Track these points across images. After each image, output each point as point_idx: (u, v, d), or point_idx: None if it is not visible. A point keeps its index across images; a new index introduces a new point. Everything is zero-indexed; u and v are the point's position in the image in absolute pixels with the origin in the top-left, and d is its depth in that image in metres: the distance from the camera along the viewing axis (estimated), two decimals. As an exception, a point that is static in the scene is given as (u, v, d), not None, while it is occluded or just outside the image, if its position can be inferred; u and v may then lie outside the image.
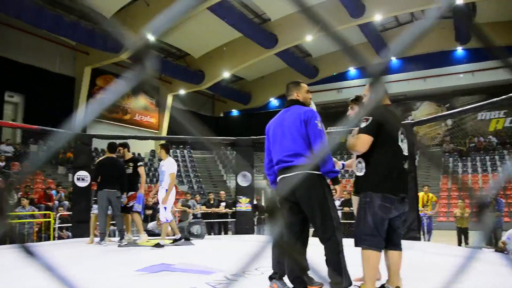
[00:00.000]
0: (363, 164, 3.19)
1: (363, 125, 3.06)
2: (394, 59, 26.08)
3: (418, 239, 7.54)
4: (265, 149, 3.54)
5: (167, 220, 7.28)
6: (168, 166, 7.32)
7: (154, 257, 5.64)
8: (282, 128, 3.34)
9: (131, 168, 7.67)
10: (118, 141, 7.94)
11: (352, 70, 28.48)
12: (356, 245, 3.10)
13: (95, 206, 7.56)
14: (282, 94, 29.35)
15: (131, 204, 7.55)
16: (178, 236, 7.44)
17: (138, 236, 7.82)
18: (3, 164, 14.27)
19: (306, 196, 3.16)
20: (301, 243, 3.32)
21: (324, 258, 3.17)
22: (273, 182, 3.53)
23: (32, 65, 19.91)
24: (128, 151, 7.95)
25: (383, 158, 3.11)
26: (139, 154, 22.16)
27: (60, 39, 20.18)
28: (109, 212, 7.40)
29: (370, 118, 3.00)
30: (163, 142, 8.85)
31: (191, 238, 8.23)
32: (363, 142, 3.05)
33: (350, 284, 3.17)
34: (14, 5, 15.43)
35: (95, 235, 7.70)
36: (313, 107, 3.56)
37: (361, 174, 3.21)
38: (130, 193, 7.56)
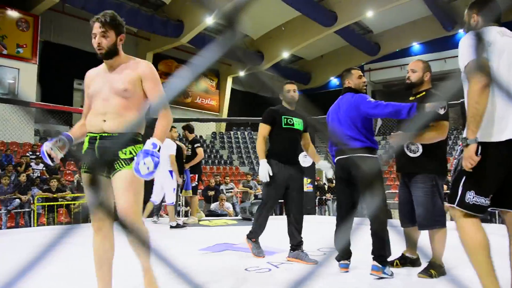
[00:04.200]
0: (418, 146, 3.28)
1: (442, 111, 3.21)
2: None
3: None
4: (329, 131, 3.90)
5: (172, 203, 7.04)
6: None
7: (217, 237, 5.72)
8: (338, 115, 3.62)
9: (189, 150, 7.68)
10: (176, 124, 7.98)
11: (416, 46, 27.19)
12: (431, 227, 3.27)
13: None
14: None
15: (193, 184, 7.60)
16: (174, 223, 6.93)
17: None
18: (74, 148, 14.97)
19: (359, 176, 3.40)
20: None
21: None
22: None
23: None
24: (190, 132, 7.83)
25: (443, 141, 3.33)
26: (200, 137, 22.54)
27: (123, 27, 20.72)
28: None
29: (446, 104, 3.24)
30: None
31: (252, 219, 8.25)
32: (447, 129, 3.25)
33: (390, 254, 3.39)
34: (79, -4, 16.09)
35: None
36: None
37: (416, 155, 3.29)
38: (192, 174, 7.62)
